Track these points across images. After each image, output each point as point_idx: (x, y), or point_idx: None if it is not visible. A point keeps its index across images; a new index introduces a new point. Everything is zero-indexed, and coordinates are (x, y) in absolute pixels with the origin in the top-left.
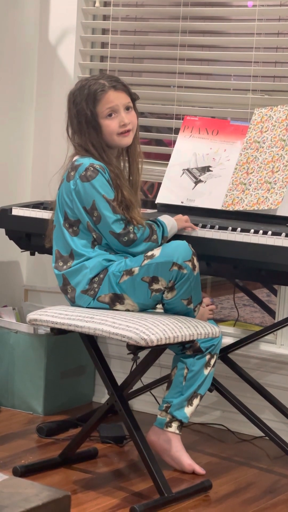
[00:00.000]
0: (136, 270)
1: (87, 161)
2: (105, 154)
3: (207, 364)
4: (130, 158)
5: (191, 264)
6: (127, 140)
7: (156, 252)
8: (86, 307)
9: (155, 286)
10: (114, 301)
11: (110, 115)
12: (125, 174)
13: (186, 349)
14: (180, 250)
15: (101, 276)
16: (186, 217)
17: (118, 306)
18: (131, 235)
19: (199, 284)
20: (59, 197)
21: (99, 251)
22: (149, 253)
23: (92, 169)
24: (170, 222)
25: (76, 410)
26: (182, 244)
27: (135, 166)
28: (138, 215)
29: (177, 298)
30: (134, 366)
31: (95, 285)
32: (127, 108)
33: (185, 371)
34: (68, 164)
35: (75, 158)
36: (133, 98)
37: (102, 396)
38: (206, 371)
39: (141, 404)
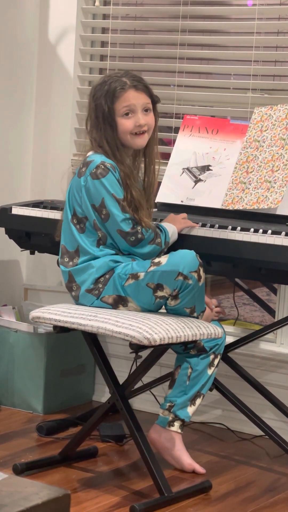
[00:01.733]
0: (141, 275)
1: (98, 158)
2: (118, 152)
3: (211, 364)
4: (146, 159)
5: (197, 275)
6: (140, 142)
7: (163, 259)
8: (89, 306)
9: (159, 293)
10: (118, 303)
11: (127, 114)
12: (136, 174)
13: (188, 349)
14: (187, 260)
15: (107, 276)
16: (183, 214)
17: (121, 308)
18: (139, 235)
19: (203, 293)
20: (69, 192)
21: (106, 250)
22: (156, 260)
23: (103, 167)
24: (171, 229)
25: (76, 409)
26: (189, 254)
27: (151, 168)
28: (147, 217)
29: (180, 306)
30: (135, 365)
31: (100, 285)
32: (146, 110)
33: (189, 370)
34: (82, 160)
35: (89, 154)
36: (154, 100)
37: (102, 395)
38: (209, 371)
39: (140, 402)
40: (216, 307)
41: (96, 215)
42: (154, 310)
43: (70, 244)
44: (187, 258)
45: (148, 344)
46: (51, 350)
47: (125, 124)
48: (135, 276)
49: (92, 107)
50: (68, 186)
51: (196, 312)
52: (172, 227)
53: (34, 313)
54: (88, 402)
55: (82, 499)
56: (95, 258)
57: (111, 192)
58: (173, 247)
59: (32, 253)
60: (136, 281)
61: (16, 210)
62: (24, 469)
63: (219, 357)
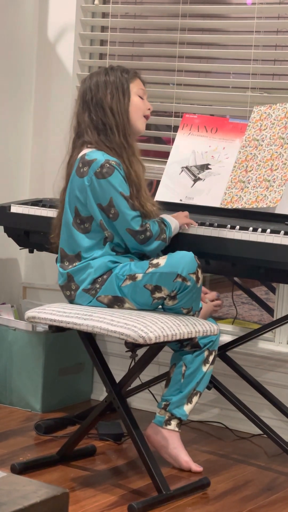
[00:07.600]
0: (139, 276)
1: (101, 156)
2: (129, 157)
3: (205, 361)
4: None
5: (195, 277)
6: (144, 127)
7: (161, 261)
8: (85, 305)
9: (157, 295)
10: (113, 303)
11: (140, 96)
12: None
13: (184, 346)
14: (186, 261)
15: (105, 277)
16: (185, 212)
17: (116, 309)
18: (148, 233)
19: (200, 294)
20: (69, 194)
21: (106, 250)
22: (154, 261)
23: (108, 165)
24: (173, 223)
25: (74, 407)
26: (188, 255)
27: (139, 165)
28: (149, 201)
29: (177, 306)
30: (132, 363)
31: (97, 285)
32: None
33: (183, 368)
34: (77, 158)
35: (85, 152)
36: None
37: (100, 393)
38: (204, 368)
39: (139, 401)
40: (214, 300)
41: (103, 215)
42: (151, 310)
43: (70, 248)
44: (186, 259)
45: (144, 342)
46: (50, 349)
47: (140, 103)
48: (132, 277)
49: (108, 81)
50: (67, 187)
51: (191, 312)
52: (174, 221)
53: (30, 313)
54: (87, 401)
55: (80, 497)
56: (95, 259)
57: (119, 190)
58: (172, 247)
59: (31, 251)
60: (133, 282)
61: (15, 209)
62: (22, 468)
63: (213, 354)
